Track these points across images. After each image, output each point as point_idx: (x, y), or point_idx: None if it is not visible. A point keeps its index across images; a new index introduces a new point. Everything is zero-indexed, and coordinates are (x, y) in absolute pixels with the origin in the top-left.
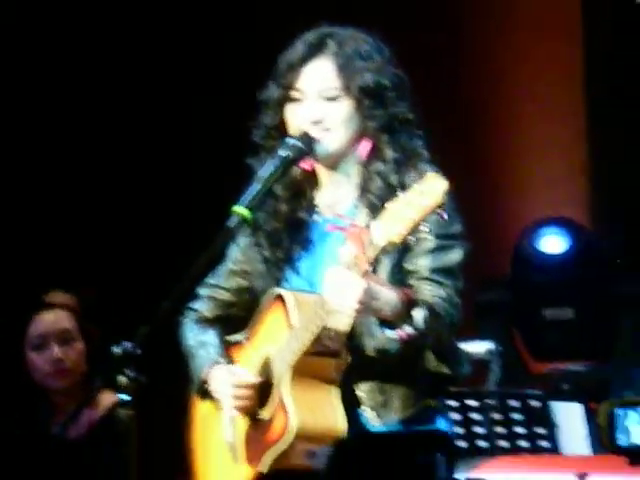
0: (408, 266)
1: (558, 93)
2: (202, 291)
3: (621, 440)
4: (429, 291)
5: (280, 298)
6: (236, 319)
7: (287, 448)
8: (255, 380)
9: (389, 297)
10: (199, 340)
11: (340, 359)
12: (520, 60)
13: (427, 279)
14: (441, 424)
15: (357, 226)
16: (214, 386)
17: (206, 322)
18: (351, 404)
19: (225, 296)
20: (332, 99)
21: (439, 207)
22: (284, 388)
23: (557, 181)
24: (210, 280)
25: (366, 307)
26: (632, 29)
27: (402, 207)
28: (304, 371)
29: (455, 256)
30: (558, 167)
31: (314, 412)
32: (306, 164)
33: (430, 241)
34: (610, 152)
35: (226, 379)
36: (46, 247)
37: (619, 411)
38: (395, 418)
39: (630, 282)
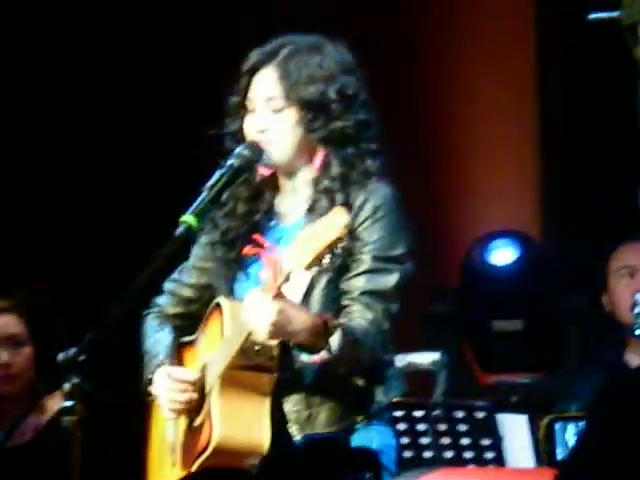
0: (343, 286)
1: (509, 100)
2: (166, 286)
3: (560, 454)
4: (357, 313)
5: (219, 306)
6: (198, 316)
7: (210, 458)
8: (191, 379)
9: (304, 322)
10: (155, 339)
11: (269, 373)
12: (470, 66)
13: (357, 301)
14: (371, 440)
15: (272, 252)
16: (154, 387)
17: (166, 318)
18: (279, 419)
19: (187, 292)
20: (278, 110)
21: (339, 240)
22: (213, 398)
23: (508, 192)
24: (174, 275)
25: (279, 329)
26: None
27: (308, 238)
28: (234, 383)
29: (391, 279)
30: (509, 177)
31: (237, 425)
32: (265, 170)
33: (366, 263)
34: (562, 162)
35: (164, 381)
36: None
37: (558, 425)
38: (319, 434)
39: (577, 295)
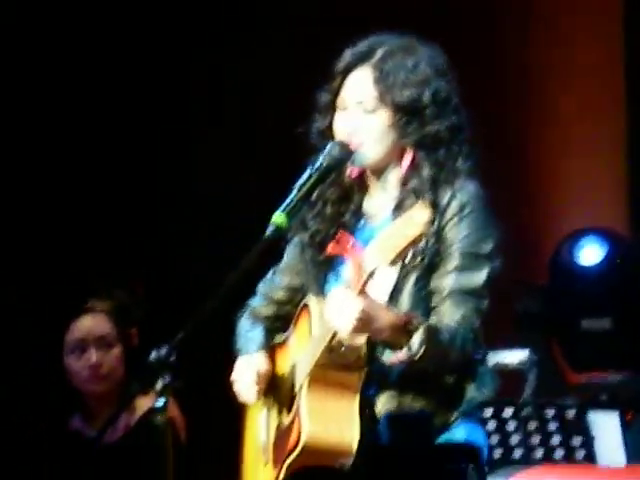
0: (431, 284)
1: (600, 101)
2: (259, 287)
3: None
4: (447, 312)
5: (308, 306)
6: (290, 317)
7: (300, 457)
8: (265, 368)
9: (387, 320)
10: (247, 338)
11: (358, 371)
12: (562, 67)
13: (447, 299)
14: (467, 435)
15: (355, 250)
16: (234, 373)
17: (258, 319)
18: (369, 418)
19: (279, 294)
20: (370, 111)
21: (421, 237)
22: (302, 397)
23: (596, 189)
24: (267, 276)
25: (362, 327)
26: None
27: (390, 235)
28: (322, 382)
29: (480, 276)
30: (598, 176)
31: (327, 423)
32: (352, 171)
33: (455, 259)
34: None
35: (242, 367)
36: (89, 246)
37: None
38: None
39: None
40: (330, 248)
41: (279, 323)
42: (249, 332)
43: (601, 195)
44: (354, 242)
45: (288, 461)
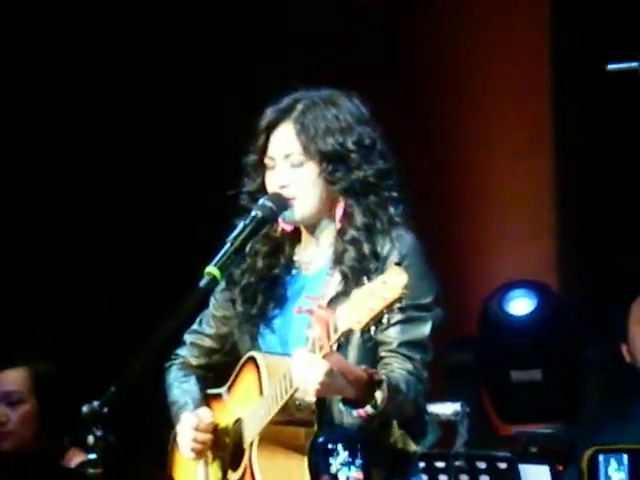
0: (379, 337)
1: (526, 146)
2: (187, 337)
3: None
4: (397, 364)
5: (254, 361)
6: (220, 365)
7: None
8: (211, 421)
9: (351, 379)
10: (182, 390)
11: (309, 428)
12: (487, 114)
13: (396, 352)
14: None
15: (323, 310)
16: (178, 429)
17: (190, 369)
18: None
19: (208, 343)
20: (298, 165)
21: (399, 300)
22: (253, 454)
23: (525, 242)
24: (194, 326)
25: (327, 388)
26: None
27: (365, 296)
28: (273, 439)
29: (425, 329)
30: (526, 228)
31: (280, 478)
32: (286, 225)
33: (399, 313)
34: (579, 212)
35: (188, 422)
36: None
37: (602, 457)
38: None
39: (598, 345)
40: (297, 308)
41: (209, 372)
42: (183, 383)
43: (529, 247)
44: (320, 302)
45: None
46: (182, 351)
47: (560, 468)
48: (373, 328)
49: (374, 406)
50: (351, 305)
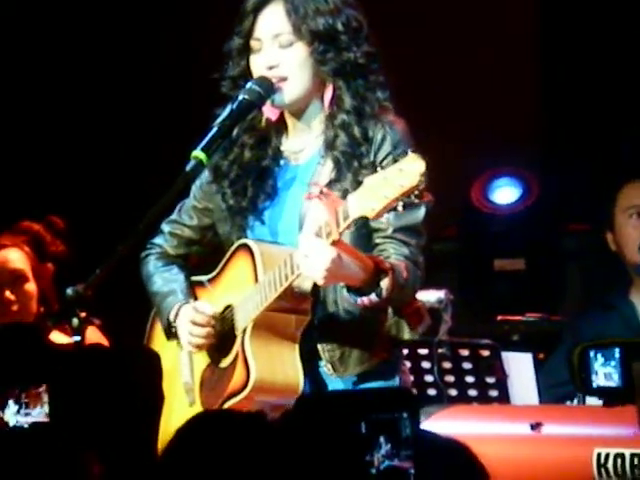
0: (373, 223)
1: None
2: (165, 227)
3: (594, 381)
4: (394, 250)
5: (247, 248)
6: (198, 257)
7: (245, 399)
8: (216, 315)
9: (357, 267)
10: (165, 279)
11: (302, 316)
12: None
13: (392, 238)
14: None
15: (333, 195)
16: (177, 324)
17: (169, 258)
18: (311, 358)
19: (187, 233)
20: (287, 46)
21: (416, 188)
22: (246, 341)
23: (507, 131)
24: (173, 216)
25: (334, 275)
26: None
27: (379, 183)
28: (266, 326)
29: (419, 214)
30: (509, 114)
31: (273, 366)
32: (272, 113)
33: None
34: (564, 95)
35: (188, 316)
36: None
37: (592, 352)
38: (351, 372)
39: (578, 234)
40: (307, 195)
41: (187, 262)
42: (165, 272)
43: (515, 135)
44: (327, 189)
45: (233, 401)
46: (159, 240)
47: (541, 356)
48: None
49: (378, 294)
50: (364, 192)
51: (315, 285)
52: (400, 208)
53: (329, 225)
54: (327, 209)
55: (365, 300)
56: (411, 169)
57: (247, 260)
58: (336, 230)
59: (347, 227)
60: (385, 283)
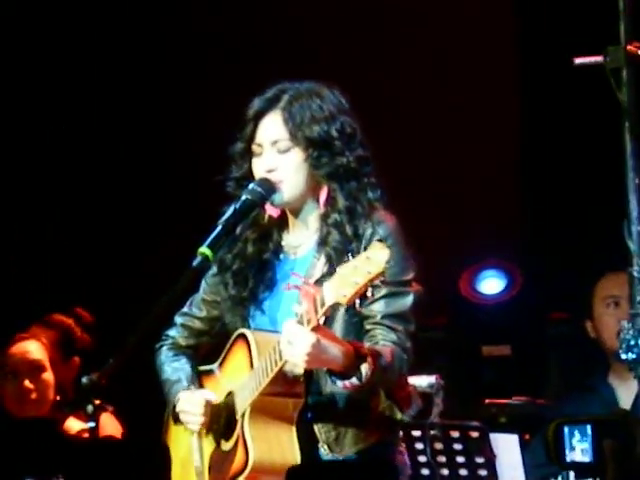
0: (364, 311)
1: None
2: (177, 319)
3: (568, 456)
4: (382, 336)
5: (244, 337)
6: (207, 347)
7: (248, 478)
8: (212, 398)
9: (337, 351)
10: (174, 368)
11: (298, 399)
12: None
13: (381, 324)
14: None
15: (310, 286)
16: (179, 407)
17: (179, 349)
18: (308, 440)
19: (198, 325)
20: (284, 151)
21: (382, 275)
22: (245, 424)
23: (492, 226)
24: (185, 309)
25: (315, 359)
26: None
27: (350, 271)
28: (263, 409)
29: (407, 301)
30: (492, 207)
31: (271, 447)
32: (273, 211)
33: (384, 287)
34: (546, 191)
35: (189, 399)
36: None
37: (566, 429)
38: (347, 452)
39: (559, 323)
40: (285, 286)
41: (197, 352)
42: (174, 362)
43: (498, 228)
44: (306, 279)
45: None
46: (172, 332)
47: (527, 437)
48: (358, 302)
49: (359, 378)
50: (337, 280)
51: (311, 370)
52: (369, 294)
53: (308, 313)
54: (305, 298)
55: (347, 384)
56: (377, 257)
57: (244, 348)
58: (315, 317)
59: (324, 313)
60: (365, 367)
